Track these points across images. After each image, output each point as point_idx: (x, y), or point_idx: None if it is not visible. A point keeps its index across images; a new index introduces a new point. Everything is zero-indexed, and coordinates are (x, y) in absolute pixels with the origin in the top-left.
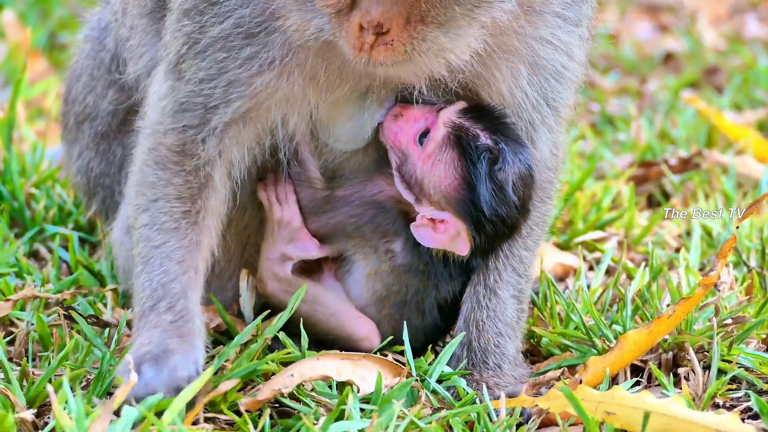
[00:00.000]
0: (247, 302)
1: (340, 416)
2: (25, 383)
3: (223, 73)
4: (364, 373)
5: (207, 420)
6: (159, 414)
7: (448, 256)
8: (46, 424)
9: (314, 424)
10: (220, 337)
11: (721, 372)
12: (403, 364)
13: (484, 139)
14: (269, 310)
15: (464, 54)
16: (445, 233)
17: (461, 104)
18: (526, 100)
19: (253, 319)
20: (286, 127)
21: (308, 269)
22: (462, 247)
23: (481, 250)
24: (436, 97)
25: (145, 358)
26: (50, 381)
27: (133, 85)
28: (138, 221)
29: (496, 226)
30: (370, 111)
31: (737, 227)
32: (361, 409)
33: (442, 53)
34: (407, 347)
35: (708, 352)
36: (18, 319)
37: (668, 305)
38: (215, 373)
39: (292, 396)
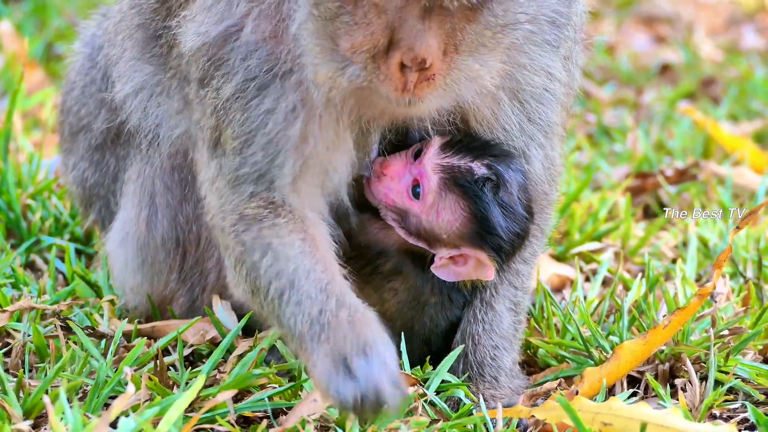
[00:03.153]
0: (227, 321)
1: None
2: (21, 394)
3: (254, 135)
4: None
5: (202, 431)
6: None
7: (467, 284)
8: None
9: None
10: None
11: (717, 383)
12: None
13: (478, 169)
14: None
15: (494, 78)
16: (467, 265)
17: (437, 142)
18: (511, 124)
19: (240, 334)
20: (339, 172)
21: None
22: (488, 273)
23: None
24: (432, 128)
25: (349, 355)
26: (47, 392)
27: (120, 105)
28: (263, 264)
29: (513, 242)
30: (365, 149)
31: (733, 238)
32: None
33: (476, 80)
34: (405, 358)
35: (705, 363)
36: (14, 330)
37: (665, 316)
38: (211, 385)
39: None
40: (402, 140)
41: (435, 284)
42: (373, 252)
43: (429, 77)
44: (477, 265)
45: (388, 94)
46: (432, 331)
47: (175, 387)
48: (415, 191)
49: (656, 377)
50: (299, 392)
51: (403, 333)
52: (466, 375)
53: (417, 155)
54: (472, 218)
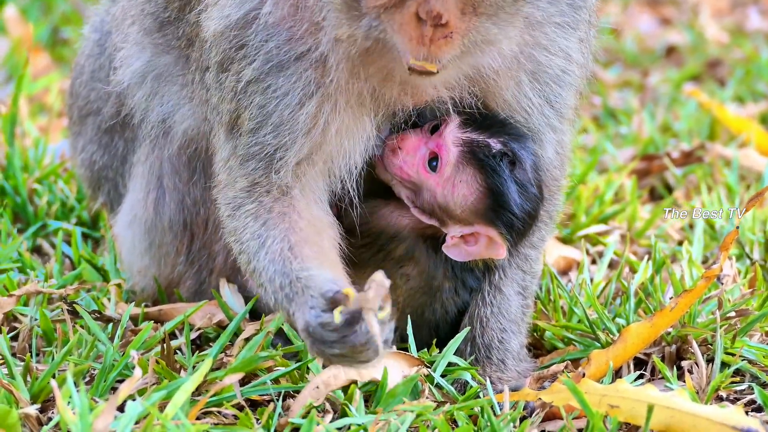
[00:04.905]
0: (234, 304)
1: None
2: (28, 378)
3: (268, 117)
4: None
5: (209, 414)
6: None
7: (479, 264)
8: (50, 419)
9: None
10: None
11: (724, 365)
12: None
13: (495, 145)
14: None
15: (512, 47)
16: (478, 244)
17: (457, 119)
18: (530, 106)
19: (247, 317)
20: (348, 158)
21: None
22: (499, 251)
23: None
24: (453, 109)
25: None
26: (54, 376)
27: (125, 90)
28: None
29: (525, 221)
30: (376, 131)
31: (739, 220)
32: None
33: (492, 45)
34: (411, 341)
35: (711, 345)
36: (21, 314)
37: (671, 298)
38: (218, 368)
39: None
40: (415, 120)
41: (449, 268)
42: (384, 238)
43: (447, 35)
44: (488, 244)
45: (404, 47)
46: (442, 318)
47: (182, 370)
48: (432, 164)
49: (663, 359)
50: (306, 375)
51: (411, 320)
52: (473, 357)
53: (433, 131)
54: (488, 193)
